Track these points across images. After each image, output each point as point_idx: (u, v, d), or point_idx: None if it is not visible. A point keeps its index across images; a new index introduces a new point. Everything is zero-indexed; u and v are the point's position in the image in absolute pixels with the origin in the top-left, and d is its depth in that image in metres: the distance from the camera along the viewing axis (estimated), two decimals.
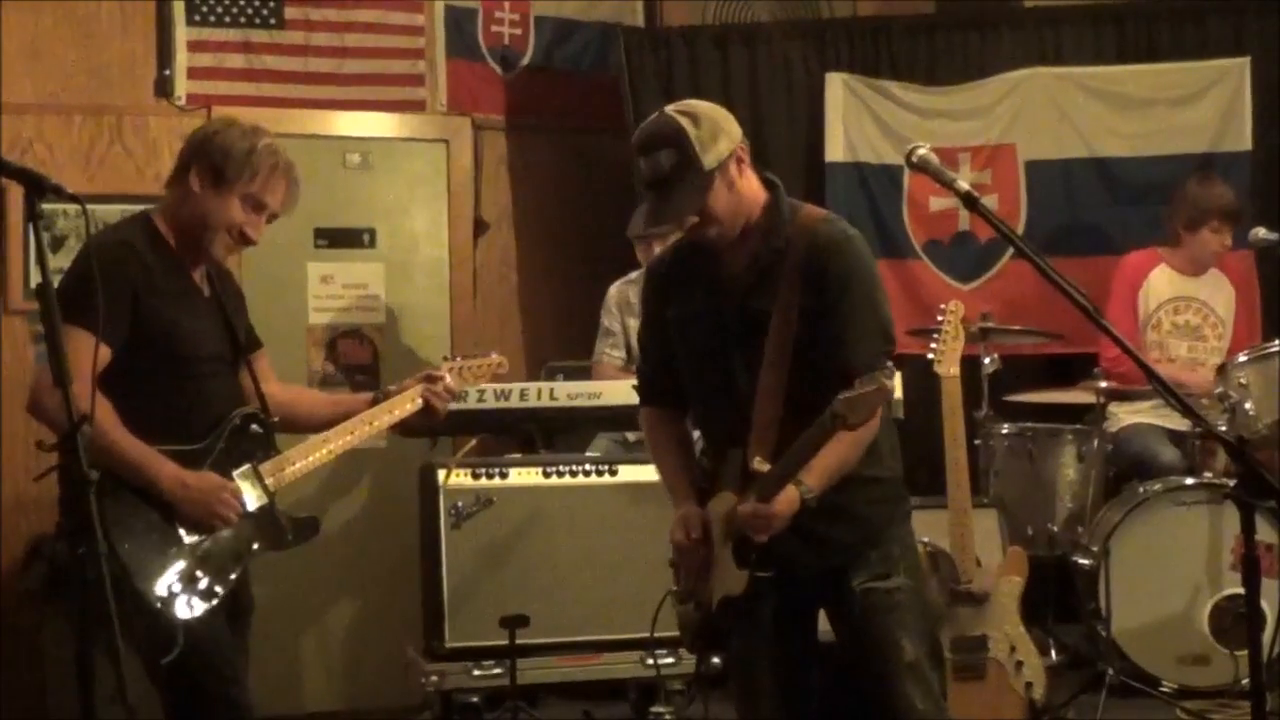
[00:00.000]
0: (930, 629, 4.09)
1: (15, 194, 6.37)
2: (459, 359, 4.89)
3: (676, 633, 4.24)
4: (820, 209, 4.10)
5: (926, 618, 4.09)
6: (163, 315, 4.06)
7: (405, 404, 4.55)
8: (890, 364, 3.80)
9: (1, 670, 6.51)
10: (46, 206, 3.38)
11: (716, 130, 3.88)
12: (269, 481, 4.20)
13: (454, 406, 6.03)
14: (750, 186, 3.97)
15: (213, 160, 4.14)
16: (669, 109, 3.93)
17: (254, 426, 4.22)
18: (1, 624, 6.51)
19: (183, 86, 7.07)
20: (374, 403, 4.50)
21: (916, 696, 3.94)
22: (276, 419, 4.32)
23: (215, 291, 4.30)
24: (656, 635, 4.52)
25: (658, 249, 6.82)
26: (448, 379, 4.66)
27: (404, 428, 6.01)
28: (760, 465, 3.81)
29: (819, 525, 3.89)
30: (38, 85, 6.87)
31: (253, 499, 4.16)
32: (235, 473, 4.14)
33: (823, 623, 4.16)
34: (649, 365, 4.27)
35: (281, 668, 6.81)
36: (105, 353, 3.83)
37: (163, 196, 4.31)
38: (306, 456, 4.34)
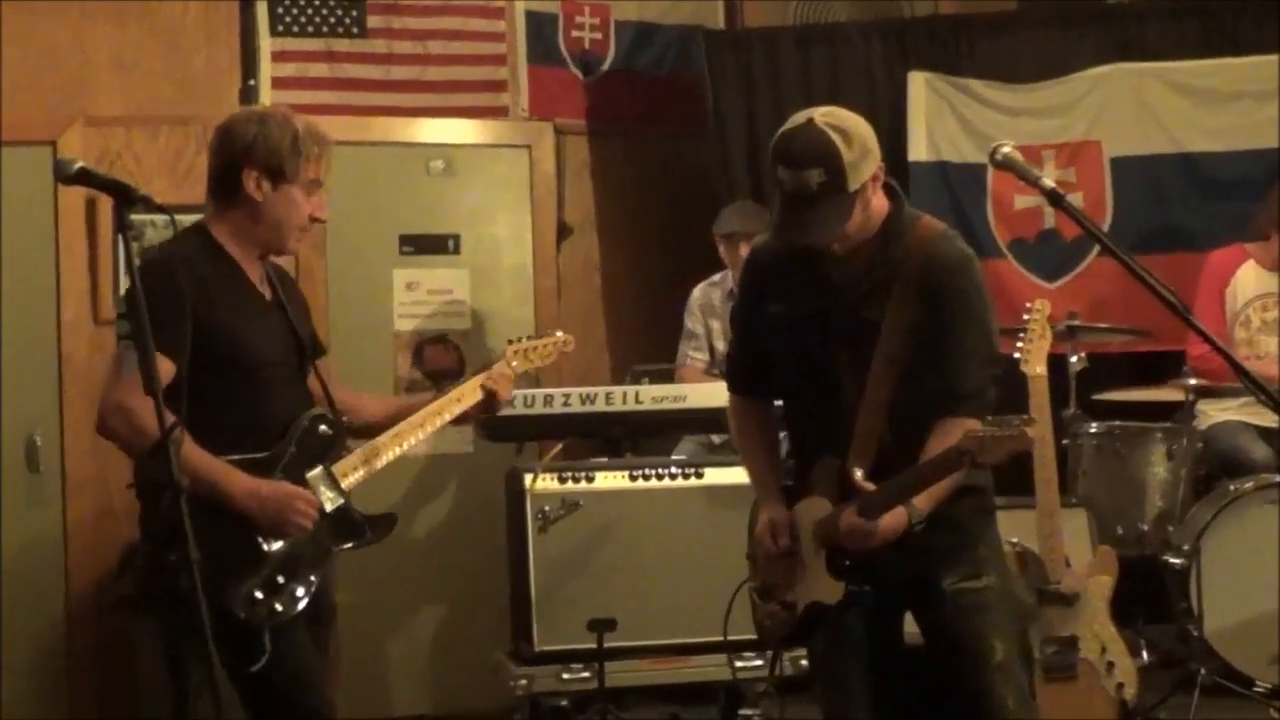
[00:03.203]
0: (1021, 629, 4.06)
1: (104, 205, 6.43)
2: (524, 339, 4.82)
3: (755, 635, 4.25)
4: (938, 222, 4.04)
5: (1017, 618, 4.07)
6: (223, 324, 4.02)
7: (469, 395, 4.50)
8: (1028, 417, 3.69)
9: (99, 675, 6.59)
10: (135, 217, 3.42)
11: (866, 151, 3.82)
12: (343, 482, 4.19)
13: (541, 410, 6.12)
14: (879, 200, 3.93)
15: (267, 163, 4.09)
16: (819, 120, 3.82)
17: (323, 428, 4.18)
18: (98, 629, 6.60)
19: (267, 96, 7.12)
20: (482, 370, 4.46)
21: (1009, 697, 3.92)
22: (345, 418, 4.31)
23: (278, 295, 4.26)
24: (741, 639, 4.51)
25: (744, 250, 6.86)
26: (511, 365, 4.64)
27: (488, 429, 6.04)
28: (862, 480, 3.80)
29: (918, 534, 3.86)
30: (125, 96, 6.94)
31: (328, 500, 4.14)
32: (308, 475, 4.11)
33: (908, 624, 4.15)
34: (742, 353, 4.24)
35: (369, 671, 6.85)
36: (169, 368, 3.80)
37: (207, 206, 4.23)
38: (380, 455, 4.30)
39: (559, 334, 4.92)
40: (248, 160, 4.11)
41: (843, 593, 3.90)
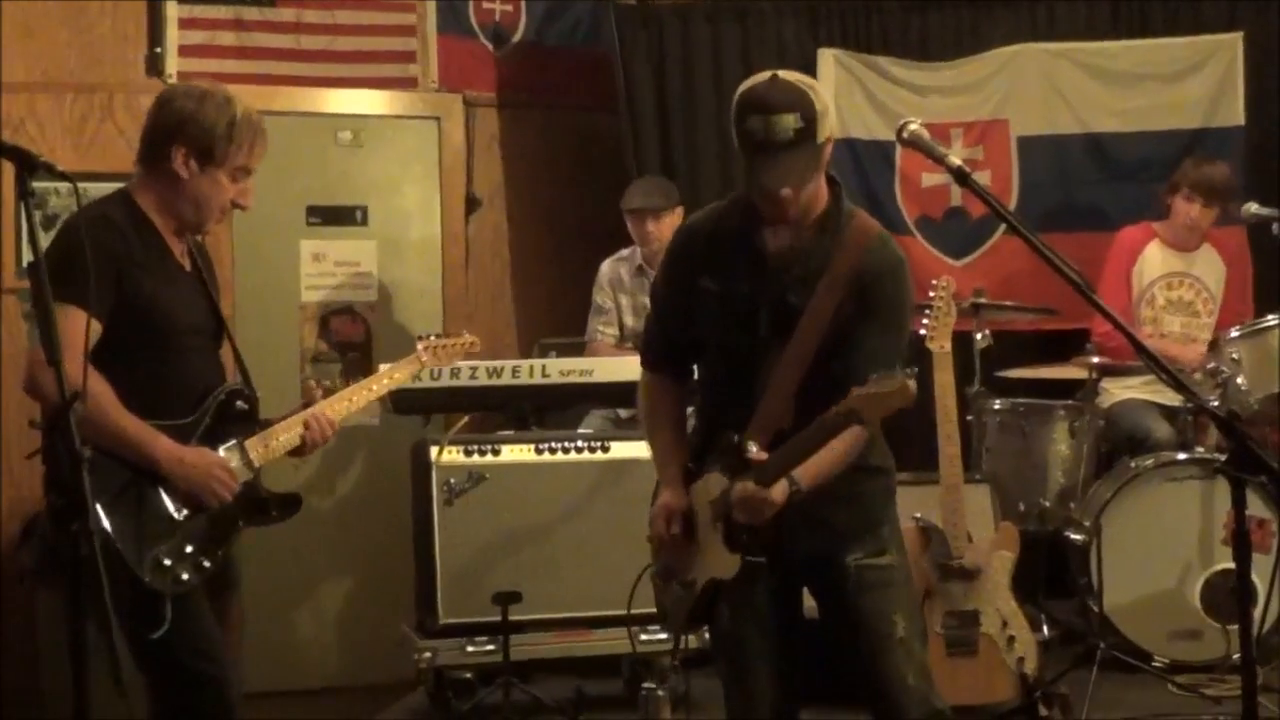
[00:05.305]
0: (918, 606, 4.10)
1: (6, 172, 6.29)
2: (433, 337, 5.08)
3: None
4: (874, 221, 4.02)
5: (915, 595, 4.11)
6: (145, 289, 4.02)
7: (288, 432, 4.33)
8: (912, 369, 3.75)
9: None
10: (38, 185, 3.37)
11: (827, 106, 3.84)
12: (254, 457, 4.18)
13: (448, 383, 6.10)
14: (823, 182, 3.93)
15: (199, 142, 4.08)
16: (783, 75, 3.84)
17: (239, 403, 4.19)
18: None
19: (174, 64, 7.05)
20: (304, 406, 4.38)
21: (909, 672, 3.96)
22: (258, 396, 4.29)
23: (197, 267, 4.26)
24: (645, 612, 4.52)
25: (650, 226, 6.88)
26: (420, 360, 4.96)
27: (395, 401, 6.04)
28: (757, 454, 3.80)
29: (822, 510, 3.90)
30: (29, 63, 6.85)
31: (239, 475, 4.13)
32: (222, 448, 4.12)
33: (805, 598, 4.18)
34: (660, 330, 4.20)
35: (277, 644, 6.83)
36: (96, 327, 3.79)
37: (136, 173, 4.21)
38: (291, 432, 4.29)
39: (467, 336, 5.23)
40: (179, 136, 4.10)
41: (738, 565, 3.92)
